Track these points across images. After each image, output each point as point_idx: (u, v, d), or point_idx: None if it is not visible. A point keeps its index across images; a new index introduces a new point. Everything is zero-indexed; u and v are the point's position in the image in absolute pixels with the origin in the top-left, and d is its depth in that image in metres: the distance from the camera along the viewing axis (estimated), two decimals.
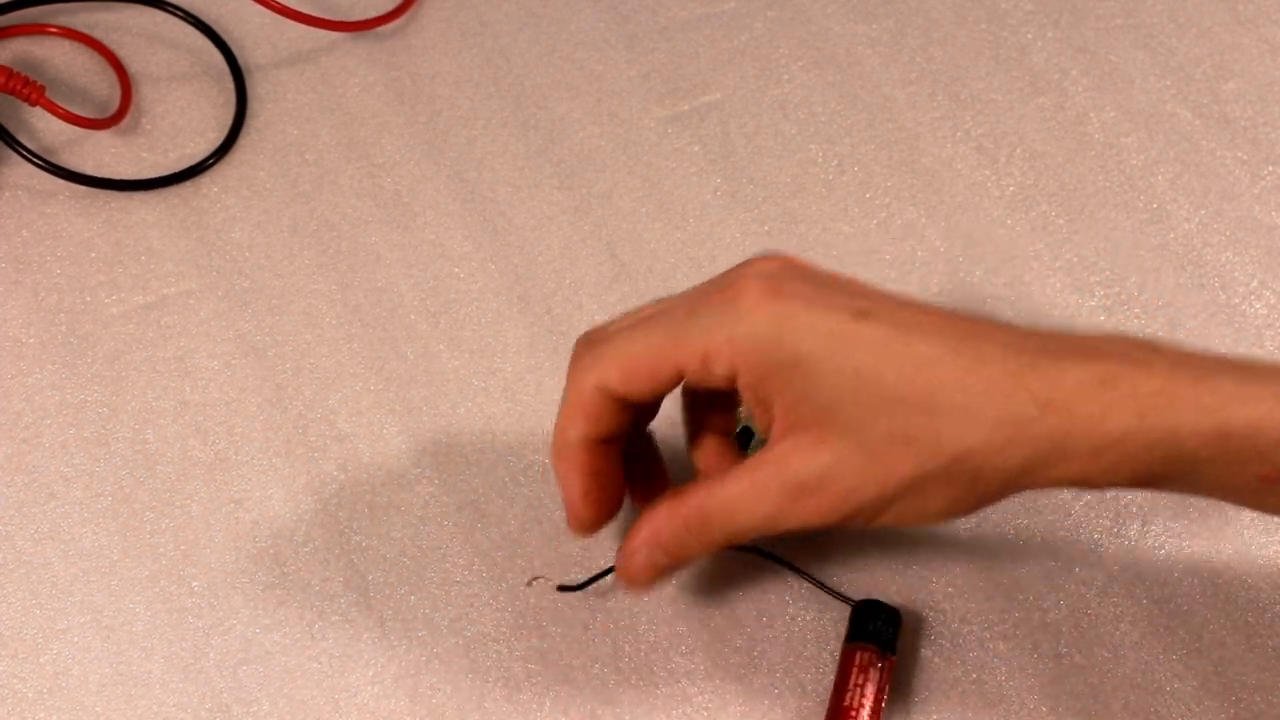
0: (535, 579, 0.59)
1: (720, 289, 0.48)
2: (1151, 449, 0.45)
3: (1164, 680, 0.58)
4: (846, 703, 0.56)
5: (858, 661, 0.57)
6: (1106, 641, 0.59)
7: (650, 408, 0.53)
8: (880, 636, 0.57)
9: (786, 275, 0.48)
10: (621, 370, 0.49)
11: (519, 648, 0.58)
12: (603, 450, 0.52)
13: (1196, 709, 0.58)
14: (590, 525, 0.53)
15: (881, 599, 0.58)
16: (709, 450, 0.55)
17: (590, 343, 0.51)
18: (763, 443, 0.50)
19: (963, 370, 0.46)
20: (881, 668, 0.57)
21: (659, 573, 0.52)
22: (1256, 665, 0.59)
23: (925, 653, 0.59)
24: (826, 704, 0.57)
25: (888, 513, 0.48)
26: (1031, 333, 0.47)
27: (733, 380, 0.48)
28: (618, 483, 0.53)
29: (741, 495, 0.49)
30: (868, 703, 0.56)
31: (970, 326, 0.47)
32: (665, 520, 0.51)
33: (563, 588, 0.58)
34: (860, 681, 0.57)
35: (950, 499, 0.47)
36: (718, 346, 0.47)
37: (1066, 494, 0.62)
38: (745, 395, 0.49)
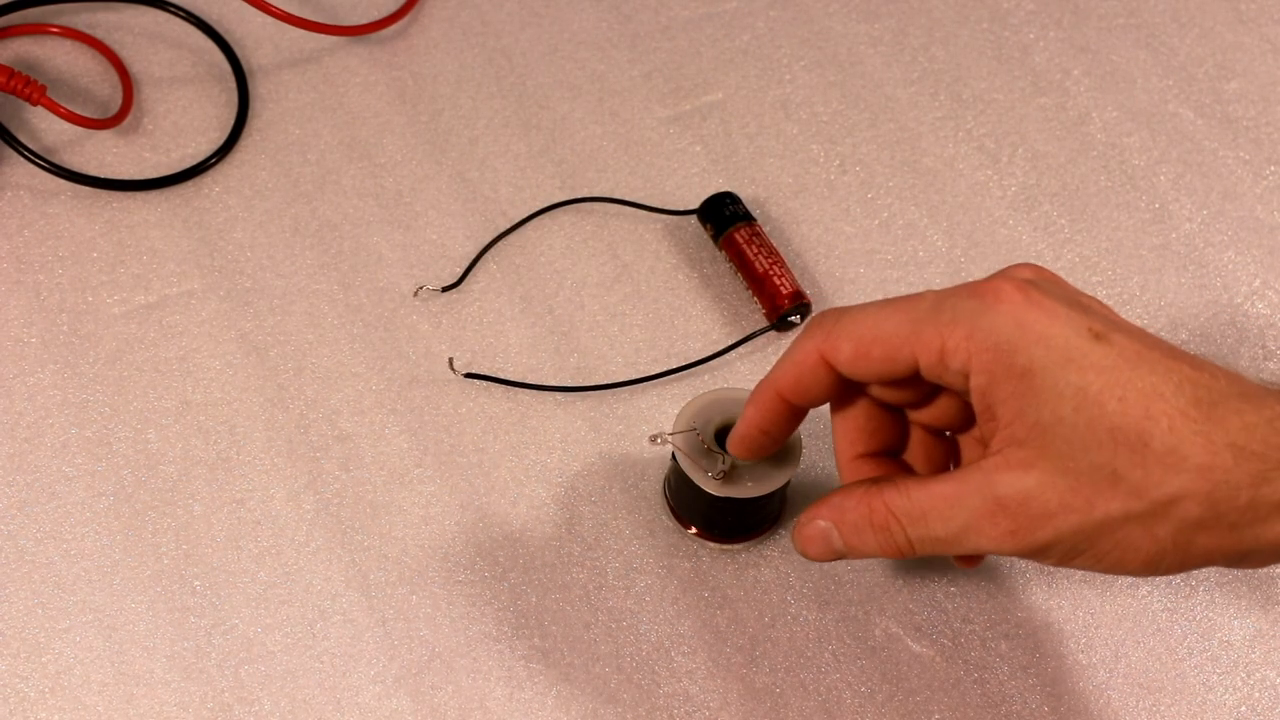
0: (420, 289, 0.65)
1: (972, 287, 0.47)
2: None
3: (1167, 680, 0.58)
4: (762, 271, 0.63)
5: (741, 238, 0.64)
6: (1109, 640, 0.59)
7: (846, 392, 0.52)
8: (739, 214, 0.65)
9: (1039, 284, 0.47)
10: (855, 346, 0.48)
11: (521, 647, 0.58)
12: (790, 411, 0.51)
13: (1201, 709, 0.58)
14: (745, 454, 0.54)
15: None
16: (860, 466, 0.54)
17: (828, 314, 0.49)
18: None
19: (1180, 410, 0.44)
20: (758, 231, 0.65)
21: (829, 552, 0.51)
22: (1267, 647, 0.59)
23: (927, 651, 0.58)
24: (826, 699, 0.57)
25: (1085, 554, 0.46)
26: (1268, 387, 0.45)
27: (965, 380, 0.47)
28: (783, 435, 0.53)
29: (944, 499, 0.47)
30: (773, 261, 0.64)
31: (1199, 367, 0.45)
32: (854, 506, 0.50)
33: (446, 288, 0.65)
34: (756, 248, 0.64)
35: (1152, 550, 0.45)
36: (957, 342, 0.46)
37: None
38: (975, 400, 0.47)
